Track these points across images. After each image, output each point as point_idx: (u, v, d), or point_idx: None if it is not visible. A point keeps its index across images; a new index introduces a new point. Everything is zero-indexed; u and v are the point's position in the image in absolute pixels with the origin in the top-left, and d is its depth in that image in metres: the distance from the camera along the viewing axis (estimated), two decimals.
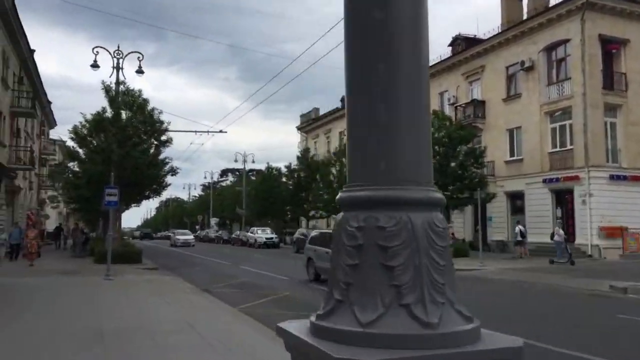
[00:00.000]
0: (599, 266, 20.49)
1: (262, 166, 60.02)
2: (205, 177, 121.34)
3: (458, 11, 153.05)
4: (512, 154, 29.32)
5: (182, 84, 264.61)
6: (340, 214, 1.63)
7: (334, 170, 38.07)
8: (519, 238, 24.67)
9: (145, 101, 22.26)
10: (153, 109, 22.46)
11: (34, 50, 33.61)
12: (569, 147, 25.89)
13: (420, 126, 1.61)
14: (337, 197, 1.65)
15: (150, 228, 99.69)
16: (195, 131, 34.44)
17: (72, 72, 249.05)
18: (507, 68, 29.72)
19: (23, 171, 33.91)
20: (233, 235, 53.52)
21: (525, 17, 29.98)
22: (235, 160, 59.13)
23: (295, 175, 43.26)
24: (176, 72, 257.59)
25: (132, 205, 25.61)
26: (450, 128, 25.69)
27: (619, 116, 26.28)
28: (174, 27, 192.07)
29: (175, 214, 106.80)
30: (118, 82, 22.09)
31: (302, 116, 58.21)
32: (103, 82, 22.11)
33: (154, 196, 25.21)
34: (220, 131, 31.25)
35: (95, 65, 21.51)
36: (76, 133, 23.22)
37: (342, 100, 51.65)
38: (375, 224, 1.51)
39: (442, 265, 1.52)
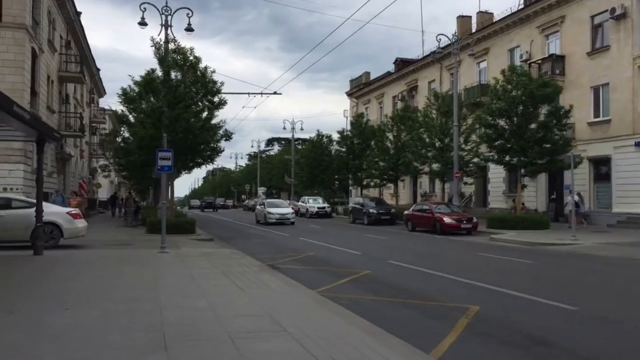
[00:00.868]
0: None
1: (307, 135, 58.28)
2: (252, 146, 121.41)
3: None
4: (597, 115, 26.19)
5: (225, 55, 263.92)
6: None
7: (390, 136, 35.69)
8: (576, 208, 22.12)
9: (198, 59, 20.50)
10: (206, 68, 20.71)
11: (80, 13, 32.51)
12: None
13: None
14: None
15: (202, 197, 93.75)
16: (249, 93, 32.97)
17: (122, 45, 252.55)
18: (592, 17, 26.33)
19: (73, 138, 33.28)
20: None
21: None
22: (284, 128, 57.67)
23: (348, 142, 41.07)
24: (218, 43, 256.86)
25: (184, 172, 24.18)
26: (531, 84, 22.82)
27: None
28: None
29: (222, 184, 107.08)
30: (167, 40, 20.51)
31: (351, 81, 55.64)
32: (152, 39, 20.47)
33: (208, 162, 23.64)
34: (275, 92, 29.30)
35: (142, 23, 20.08)
36: (125, 95, 21.87)
37: (395, 63, 48.95)
38: None
39: None
